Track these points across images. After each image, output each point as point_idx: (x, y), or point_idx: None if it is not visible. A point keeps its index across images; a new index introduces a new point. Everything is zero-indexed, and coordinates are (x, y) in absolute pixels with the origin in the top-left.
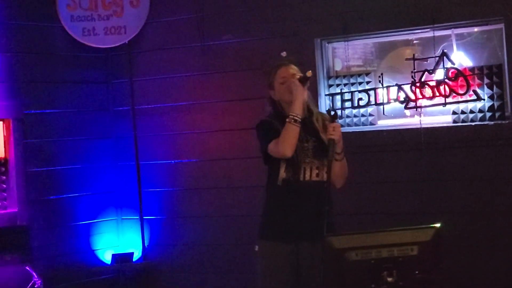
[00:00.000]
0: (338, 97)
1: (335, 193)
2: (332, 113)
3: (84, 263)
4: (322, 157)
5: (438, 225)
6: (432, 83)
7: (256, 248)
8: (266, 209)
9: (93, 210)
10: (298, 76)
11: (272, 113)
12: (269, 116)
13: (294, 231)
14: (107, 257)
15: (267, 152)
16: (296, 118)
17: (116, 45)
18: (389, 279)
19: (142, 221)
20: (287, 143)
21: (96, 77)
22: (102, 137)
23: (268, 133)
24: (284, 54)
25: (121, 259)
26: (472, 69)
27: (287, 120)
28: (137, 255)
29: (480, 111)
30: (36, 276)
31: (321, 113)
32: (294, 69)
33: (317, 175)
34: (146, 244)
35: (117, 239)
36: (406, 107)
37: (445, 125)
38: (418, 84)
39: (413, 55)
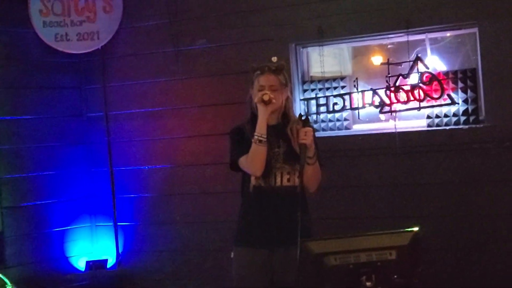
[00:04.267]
0: (313, 102)
1: (311, 198)
2: (304, 117)
3: (58, 270)
4: (293, 162)
5: (415, 229)
6: (407, 88)
7: (232, 254)
8: (240, 216)
9: (67, 216)
10: (261, 96)
11: (249, 117)
12: (246, 120)
13: (267, 237)
14: (81, 264)
15: (235, 162)
16: (261, 138)
17: (89, 50)
18: (368, 284)
19: (116, 227)
20: (255, 164)
21: (69, 82)
22: (75, 143)
23: (239, 144)
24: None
25: (95, 266)
26: (446, 73)
27: (253, 140)
28: (111, 261)
29: (455, 115)
30: (9, 284)
31: (299, 122)
32: (276, 79)
33: (289, 180)
34: (120, 251)
35: (91, 246)
36: (381, 112)
37: (419, 129)
38: (392, 89)
39: (388, 59)
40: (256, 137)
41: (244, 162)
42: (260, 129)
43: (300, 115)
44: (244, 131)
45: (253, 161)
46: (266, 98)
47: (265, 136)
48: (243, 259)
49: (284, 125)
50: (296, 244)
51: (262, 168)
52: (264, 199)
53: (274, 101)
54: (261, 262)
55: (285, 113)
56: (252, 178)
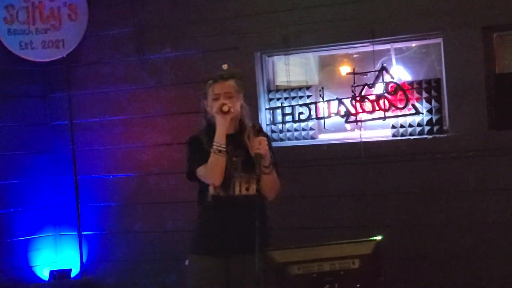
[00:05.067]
0: (279, 111)
1: (275, 207)
2: (257, 127)
3: (22, 280)
4: (252, 171)
5: (378, 238)
6: (372, 97)
7: (186, 262)
8: (197, 224)
9: (31, 226)
10: (221, 106)
11: (205, 126)
12: (201, 130)
13: (225, 246)
14: (45, 274)
15: (193, 172)
16: (220, 148)
17: (54, 59)
18: None
19: (80, 236)
20: (214, 174)
21: (34, 91)
22: (39, 151)
23: (197, 154)
24: (225, 66)
25: (59, 275)
26: (411, 83)
27: (212, 150)
28: (75, 271)
29: (419, 125)
30: None
31: (255, 130)
32: (230, 85)
33: (247, 189)
34: (84, 260)
35: (55, 255)
36: (346, 121)
37: (384, 139)
38: (358, 98)
39: (353, 69)
40: (215, 147)
41: (202, 172)
42: (220, 139)
43: (254, 124)
44: (201, 141)
45: (212, 171)
46: (225, 109)
47: (224, 146)
48: (198, 267)
49: (241, 133)
50: (254, 252)
51: (221, 178)
52: (223, 208)
53: (232, 110)
54: (217, 270)
55: (241, 120)
56: (210, 188)
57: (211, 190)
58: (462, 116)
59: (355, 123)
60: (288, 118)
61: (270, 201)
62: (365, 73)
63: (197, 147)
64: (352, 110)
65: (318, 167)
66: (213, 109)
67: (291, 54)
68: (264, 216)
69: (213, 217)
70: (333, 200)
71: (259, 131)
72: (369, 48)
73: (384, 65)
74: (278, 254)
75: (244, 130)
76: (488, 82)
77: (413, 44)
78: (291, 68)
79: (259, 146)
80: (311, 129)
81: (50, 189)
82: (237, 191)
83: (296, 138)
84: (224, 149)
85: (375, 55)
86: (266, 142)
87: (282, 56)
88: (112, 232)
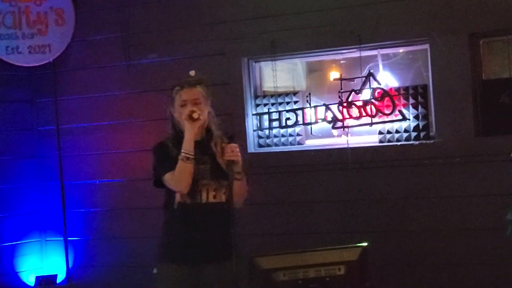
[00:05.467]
0: (266, 117)
1: (263, 213)
2: (229, 134)
3: (7, 286)
4: (219, 178)
5: (364, 244)
6: (359, 103)
7: (155, 270)
8: (164, 232)
9: (17, 231)
10: (190, 113)
11: (172, 133)
12: (168, 137)
13: (193, 254)
14: (30, 280)
15: (160, 179)
16: (188, 155)
17: (41, 63)
18: None
19: (66, 242)
20: (182, 181)
21: (20, 96)
22: (25, 157)
23: (164, 161)
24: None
25: (45, 281)
26: (397, 89)
27: (179, 157)
28: (61, 277)
29: (406, 131)
30: None
31: (222, 137)
32: (198, 92)
33: (215, 196)
34: (70, 266)
35: (41, 261)
36: (333, 127)
37: (371, 145)
38: (345, 104)
39: (340, 75)
40: (183, 154)
41: (169, 179)
42: (188, 146)
43: (226, 132)
44: (167, 147)
45: (180, 178)
46: (195, 116)
47: (193, 153)
48: (168, 276)
49: (208, 141)
50: (224, 260)
51: (189, 186)
52: (190, 216)
53: (201, 117)
54: (186, 279)
55: (208, 128)
56: (177, 195)
57: (177, 198)
58: (448, 122)
59: (342, 129)
60: (275, 123)
61: (240, 208)
62: (352, 79)
63: (164, 154)
64: (339, 116)
65: (305, 173)
66: (180, 116)
67: (278, 59)
68: (233, 223)
69: (180, 225)
70: (319, 206)
71: (231, 138)
72: (356, 54)
73: (371, 71)
74: (264, 261)
75: (212, 137)
76: (475, 88)
77: (400, 50)
78: (278, 74)
79: (231, 153)
80: (298, 135)
81: (36, 195)
82: (204, 199)
83: (283, 144)
84: (193, 157)
85: (362, 61)
86: (238, 149)
87: (269, 62)
88: (98, 238)
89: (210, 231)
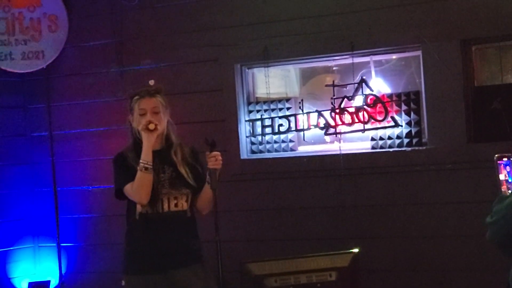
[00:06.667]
0: (259, 123)
1: (254, 220)
2: (210, 141)
3: None
4: (180, 187)
5: (355, 250)
6: (351, 110)
7: (123, 283)
8: (127, 243)
9: (10, 237)
10: (146, 124)
11: (131, 143)
12: (128, 147)
13: (159, 262)
14: (23, 285)
15: (121, 190)
16: (147, 166)
17: (34, 70)
18: None
19: (59, 248)
20: (141, 192)
21: (13, 102)
22: (18, 163)
23: (124, 172)
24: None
25: (38, 287)
26: (390, 96)
27: (138, 168)
28: (54, 283)
29: (398, 137)
30: None
31: (181, 145)
32: (157, 101)
33: (176, 205)
34: (63, 272)
35: (34, 267)
36: (326, 133)
37: (364, 151)
38: (337, 111)
39: (333, 81)
40: (142, 164)
41: (129, 190)
42: (146, 156)
43: (207, 140)
44: (126, 158)
45: (139, 189)
46: (152, 127)
47: (151, 163)
48: (135, 286)
49: (168, 150)
50: (192, 264)
51: (148, 196)
52: (152, 225)
53: (159, 127)
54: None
55: (168, 136)
56: (138, 206)
57: (138, 208)
58: (441, 128)
59: (335, 135)
60: (268, 130)
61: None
62: (344, 86)
63: (123, 164)
64: (332, 122)
65: (298, 179)
66: (139, 125)
67: (270, 66)
68: (196, 232)
69: (142, 235)
70: (312, 212)
71: (212, 145)
72: (349, 61)
73: (364, 77)
74: (255, 267)
75: (171, 146)
76: (467, 94)
77: (393, 56)
78: (271, 80)
79: (215, 162)
80: (290, 141)
81: (29, 201)
82: (165, 208)
83: (276, 150)
84: (151, 167)
85: (354, 68)
86: (221, 157)
87: (262, 68)
88: (91, 244)
89: (172, 239)
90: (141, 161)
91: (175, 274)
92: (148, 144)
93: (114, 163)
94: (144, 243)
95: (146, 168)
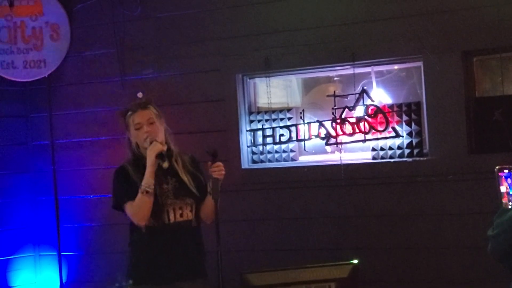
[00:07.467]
0: (260, 133)
1: (254, 229)
2: (212, 151)
3: None
4: (184, 196)
5: (355, 261)
6: (352, 120)
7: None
8: (133, 254)
9: (10, 246)
10: (157, 150)
11: (131, 158)
12: (128, 161)
13: (168, 273)
14: None
15: (120, 205)
16: (148, 189)
17: (36, 78)
18: None
19: (60, 257)
20: (140, 214)
21: (15, 111)
22: (20, 171)
23: (125, 186)
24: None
25: None
26: (391, 106)
27: (140, 190)
28: None
29: (399, 147)
30: None
31: (181, 154)
32: (150, 112)
33: (181, 215)
34: (64, 281)
35: (35, 276)
36: (327, 143)
37: (364, 161)
38: (338, 121)
39: (334, 91)
40: (143, 187)
41: (129, 209)
42: (148, 180)
43: (208, 150)
44: (128, 172)
45: (139, 211)
46: (164, 150)
47: (152, 188)
48: None
49: (169, 159)
50: (198, 277)
51: (147, 218)
52: (159, 237)
53: (159, 139)
54: None
55: (167, 145)
56: None
57: None
58: (442, 139)
59: (336, 145)
60: (269, 140)
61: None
62: (345, 96)
63: (124, 179)
64: (333, 133)
65: (298, 189)
66: (139, 138)
67: (272, 76)
68: (202, 239)
69: (149, 246)
70: (312, 222)
71: (214, 155)
72: (350, 71)
73: (365, 88)
74: (254, 277)
75: (171, 154)
76: (468, 105)
77: (394, 67)
78: (273, 90)
79: (219, 172)
80: (291, 151)
81: (30, 209)
82: (172, 219)
83: (277, 160)
84: (152, 190)
85: (355, 78)
86: (223, 167)
87: (264, 78)
88: (92, 253)
89: (179, 250)
90: (143, 184)
91: (182, 286)
92: (152, 168)
93: (115, 177)
94: (151, 255)
95: (147, 192)
